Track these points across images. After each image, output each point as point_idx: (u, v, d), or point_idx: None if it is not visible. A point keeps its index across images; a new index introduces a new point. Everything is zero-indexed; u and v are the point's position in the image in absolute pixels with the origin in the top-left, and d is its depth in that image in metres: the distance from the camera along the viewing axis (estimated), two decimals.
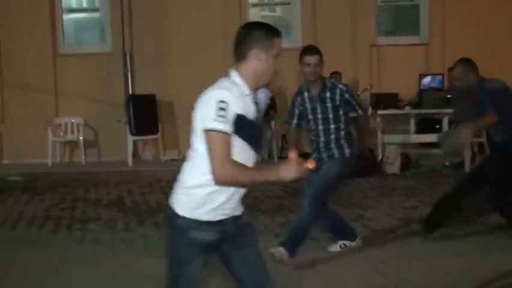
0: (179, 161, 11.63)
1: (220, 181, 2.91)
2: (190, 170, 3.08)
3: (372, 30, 12.50)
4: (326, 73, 11.53)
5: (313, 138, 5.73)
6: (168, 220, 3.09)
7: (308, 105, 5.62)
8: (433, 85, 11.48)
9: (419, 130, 11.52)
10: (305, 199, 5.48)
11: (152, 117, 11.73)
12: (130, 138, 11.66)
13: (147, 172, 10.92)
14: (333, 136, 5.55)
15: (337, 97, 5.55)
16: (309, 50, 5.58)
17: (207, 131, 2.92)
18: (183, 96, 11.95)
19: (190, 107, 11.10)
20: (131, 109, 11.54)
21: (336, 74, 11.56)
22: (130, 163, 11.61)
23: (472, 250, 5.86)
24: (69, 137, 11.95)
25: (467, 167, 10.18)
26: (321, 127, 5.59)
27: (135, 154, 12.02)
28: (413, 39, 12.65)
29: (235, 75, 3.06)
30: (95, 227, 7.11)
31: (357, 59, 12.27)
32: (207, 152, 2.95)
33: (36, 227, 7.18)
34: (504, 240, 6.10)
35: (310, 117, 5.64)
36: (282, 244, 5.40)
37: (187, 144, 10.24)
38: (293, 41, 12.49)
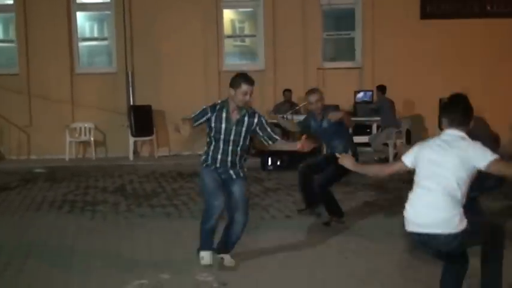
0: (170, 157, 11.78)
1: None
2: None
3: (318, 56, 12.54)
4: (280, 90, 11.72)
5: (210, 151, 4.61)
6: None
7: (223, 125, 4.53)
8: (365, 99, 11.57)
9: (355, 133, 11.53)
10: (238, 212, 4.49)
11: (148, 122, 11.71)
12: (131, 139, 11.60)
13: (144, 166, 10.84)
14: (232, 158, 4.53)
15: (254, 124, 4.61)
16: (248, 79, 4.53)
17: None
18: (172, 106, 11.93)
19: (178, 115, 11.08)
20: (132, 116, 11.53)
21: (287, 92, 11.61)
22: (131, 158, 11.53)
23: None
24: (83, 138, 11.83)
25: (391, 161, 10.29)
26: (225, 147, 4.54)
27: (135, 151, 11.95)
28: (350, 64, 12.73)
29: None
30: (102, 208, 7.03)
31: (307, 78, 12.29)
32: None
33: (55, 208, 7.07)
34: None
35: (221, 136, 4.54)
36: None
37: (176, 144, 10.28)
38: (258, 64, 12.54)
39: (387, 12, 12.28)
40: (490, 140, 4.82)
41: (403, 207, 3.38)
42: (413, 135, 11.18)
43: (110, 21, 12.29)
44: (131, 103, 11.95)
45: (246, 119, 4.54)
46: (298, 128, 6.47)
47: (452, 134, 3.30)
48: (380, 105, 10.70)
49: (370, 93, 11.56)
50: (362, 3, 12.52)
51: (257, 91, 12.24)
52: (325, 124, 5.95)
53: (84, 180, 9.20)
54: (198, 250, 4.60)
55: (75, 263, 4.77)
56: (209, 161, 4.58)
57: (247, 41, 13.58)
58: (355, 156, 5.53)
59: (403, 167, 3.48)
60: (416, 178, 3.36)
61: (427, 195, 3.24)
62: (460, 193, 3.19)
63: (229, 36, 12.90)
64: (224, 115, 4.53)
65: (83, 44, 12.38)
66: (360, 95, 11.59)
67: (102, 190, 8.29)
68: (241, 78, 4.49)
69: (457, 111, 3.34)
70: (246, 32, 13.55)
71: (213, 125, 4.56)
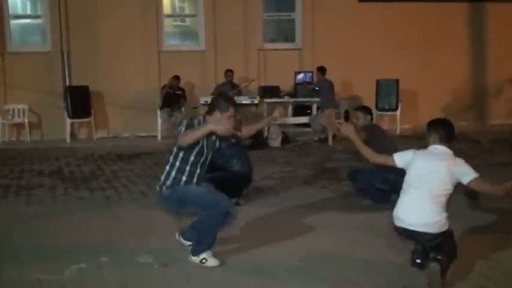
0: (109, 139, 11.56)
1: None
2: None
3: (259, 37, 12.56)
4: (221, 71, 11.70)
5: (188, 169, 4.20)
6: None
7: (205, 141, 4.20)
8: (305, 80, 11.69)
9: (295, 114, 11.74)
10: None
11: (86, 103, 11.42)
12: (68, 121, 11.30)
13: (82, 148, 10.57)
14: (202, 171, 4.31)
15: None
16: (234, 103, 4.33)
17: None
18: (110, 87, 11.70)
19: (116, 96, 10.88)
20: (68, 97, 11.20)
21: (229, 72, 11.60)
22: (68, 140, 11.22)
23: None
24: (16, 120, 11.42)
25: (330, 142, 10.52)
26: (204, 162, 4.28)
27: (72, 133, 11.64)
28: (290, 45, 12.82)
29: None
30: (38, 192, 6.81)
31: (247, 59, 12.32)
32: None
33: None
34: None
35: (204, 150, 4.22)
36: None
37: (115, 126, 10.09)
38: (198, 45, 12.45)
39: None
40: (393, 143, 5.75)
41: None
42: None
43: None
44: (67, 84, 11.62)
45: None
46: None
47: (441, 149, 3.82)
48: (320, 86, 10.87)
49: (310, 74, 11.70)
50: None
51: (198, 72, 12.36)
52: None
53: (19, 163, 8.88)
54: (203, 257, 4.18)
55: (9, 250, 4.63)
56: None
57: (188, 21, 13.42)
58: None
59: (392, 162, 3.95)
60: (407, 182, 3.82)
61: (416, 200, 3.71)
62: (445, 200, 3.70)
63: (169, 16, 12.70)
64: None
65: (14, 22, 11.88)
66: (300, 76, 11.70)
67: (37, 174, 8.04)
68: (229, 101, 4.29)
69: (446, 130, 3.89)
70: (186, 11, 13.38)
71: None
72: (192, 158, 4.19)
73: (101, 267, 4.16)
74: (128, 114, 11.84)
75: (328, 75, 10.92)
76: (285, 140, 10.64)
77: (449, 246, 3.76)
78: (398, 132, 11.77)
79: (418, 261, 3.87)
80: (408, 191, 3.78)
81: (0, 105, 11.33)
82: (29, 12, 12.52)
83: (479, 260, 4.16)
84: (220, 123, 4.03)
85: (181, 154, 4.18)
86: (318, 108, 11.21)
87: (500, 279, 3.81)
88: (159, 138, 11.27)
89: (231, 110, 4.20)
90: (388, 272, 3.96)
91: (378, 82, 12.12)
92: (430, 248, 3.76)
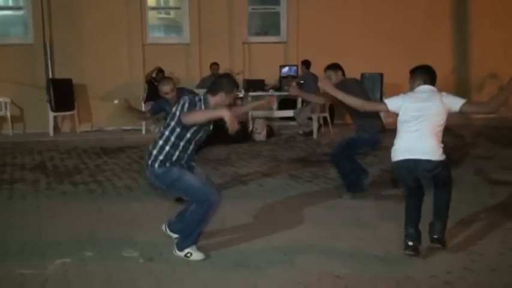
0: (92, 133, 11.49)
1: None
2: None
3: (244, 30, 12.55)
4: (206, 65, 11.66)
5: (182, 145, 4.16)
6: None
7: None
8: (290, 73, 11.71)
9: (280, 107, 11.75)
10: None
11: (69, 97, 11.37)
12: (51, 114, 11.23)
13: (66, 141, 10.50)
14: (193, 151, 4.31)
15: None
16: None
17: None
18: (94, 80, 11.62)
19: (100, 89, 10.77)
20: (51, 90, 11.10)
21: (215, 65, 11.57)
22: (51, 134, 11.16)
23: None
24: None
25: (315, 135, 10.56)
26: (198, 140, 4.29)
27: (56, 127, 11.57)
28: (275, 39, 12.83)
29: None
30: (21, 186, 6.76)
31: (232, 53, 12.31)
32: None
33: None
34: None
35: (201, 129, 4.25)
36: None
37: (99, 119, 10.00)
38: (183, 38, 12.40)
39: None
40: (364, 92, 5.98)
41: None
42: (336, 109, 11.48)
43: None
44: (50, 76, 11.52)
45: None
46: (149, 114, 6.19)
47: (429, 88, 4.21)
48: (304, 80, 10.88)
49: (295, 68, 11.72)
50: None
51: (182, 65, 12.31)
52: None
53: (1, 157, 8.80)
54: (187, 251, 4.18)
55: None
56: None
57: (172, 13, 13.36)
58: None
59: (383, 107, 4.28)
60: (403, 123, 4.17)
61: (416, 133, 4.08)
62: (440, 131, 4.12)
63: (153, 8, 12.65)
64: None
65: None
66: (285, 69, 11.72)
67: (20, 167, 7.97)
68: (235, 83, 4.31)
69: (430, 73, 4.29)
70: (171, 4, 13.31)
71: None
72: (188, 135, 4.12)
73: (85, 261, 4.14)
74: (112, 108, 11.75)
75: (313, 69, 10.95)
76: (270, 133, 10.66)
77: (447, 175, 4.18)
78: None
79: (410, 243, 4.04)
80: (407, 129, 4.12)
81: None
82: (10, 3, 12.37)
83: (461, 253, 4.22)
84: (229, 113, 3.89)
85: (178, 130, 4.09)
86: (302, 102, 11.23)
87: (482, 271, 3.86)
88: (143, 131, 11.22)
89: (235, 92, 4.24)
90: (372, 265, 4.00)
91: (363, 75, 12.14)
92: (432, 177, 4.12)
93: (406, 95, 4.24)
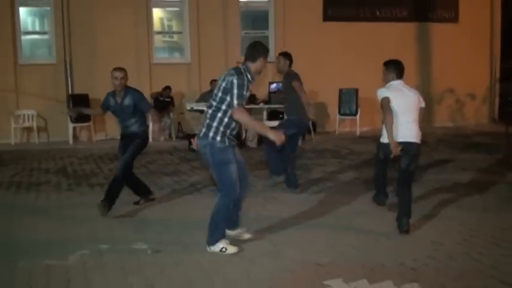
0: (106, 141, 11.45)
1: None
2: None
3: (237, 51, 12.56)
4: (205, 81, 11.66)
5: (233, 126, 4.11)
6: None
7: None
8: (277, 89, 11.73)
9: (269, 118, 11.78)
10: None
11: None
12: (71, 125, 11.19)
13: (83, 149, 10.47)
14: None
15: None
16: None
17: None
18: None
19: None
20: (71, 104, 11.07)
21: (214, 81, 11.56)
22: (71, 142, 11.12)
23: None
24: (26, 124, 11.29)
25: (300, 142, 10.56)
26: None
27: (75, 136, 11.54)
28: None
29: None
30: (46, 188, 6.75)
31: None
32: None
33: (3, 189, 6.73)
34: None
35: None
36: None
37: (112, 129, 9.93)
38: (185, 58, 12.43)
39: (295, 14, 12.51)
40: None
41: None
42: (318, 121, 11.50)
43: (50, 16, 11.71)
44: (70, 92, 11.50)
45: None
46: (101, 110, 5.95)
47: (401, 83, 4.71)
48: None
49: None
50: (274, 6, 12.69)
51: (184, 81, 12.28)
52: (126, 102, 5.45)
53: (29, 162, 8.77)
54: (222, 246, 4.01)
55: (22, 238, 4.59)
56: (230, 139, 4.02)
57: (175, 37, 13.38)
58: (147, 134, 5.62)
59: (392, 110, 4.56)
60: (397, 112, 4.53)
61: (407, 123, 4.55)
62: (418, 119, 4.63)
63: (158, 33, 12.66)
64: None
65: (25, 38, 11.76)
66: (273, 85, 11.73)
67: (45, 171, 7.95)
68: (265, 46, 4.20)
69: (401, 69, 4.75)
70: (174, 29, 13.33)
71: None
72: (234, 123, 3.99)
73: (101, 253, 4.15)
74: None
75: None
76: (261, 141, 10.65)
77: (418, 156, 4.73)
78: (358, 134, 11.90)
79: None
80: (401, 120, 4.52)
81: (12, 111, 11.20)
82: (37, 28, 12.36)
83: (424, 243, 4.26)
84: (273, 132, 3.99)
85: (229, 113, 3.90)
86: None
87: (442, 258, 3.90)
88: (150, 139, 11.17)
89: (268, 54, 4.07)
90: (349, 254, 4.03)
91: (340, 91, 12.26)
92: (414, 156, 4.58)
93: (389, 91, 4.60)
